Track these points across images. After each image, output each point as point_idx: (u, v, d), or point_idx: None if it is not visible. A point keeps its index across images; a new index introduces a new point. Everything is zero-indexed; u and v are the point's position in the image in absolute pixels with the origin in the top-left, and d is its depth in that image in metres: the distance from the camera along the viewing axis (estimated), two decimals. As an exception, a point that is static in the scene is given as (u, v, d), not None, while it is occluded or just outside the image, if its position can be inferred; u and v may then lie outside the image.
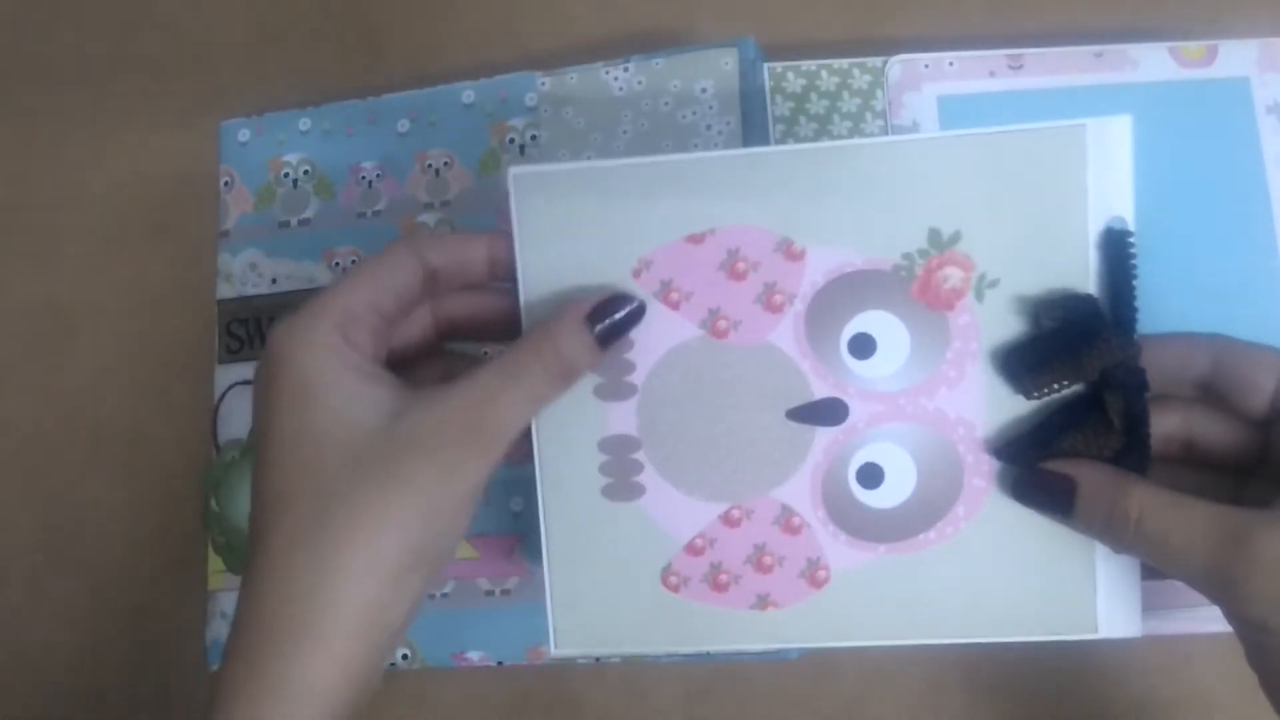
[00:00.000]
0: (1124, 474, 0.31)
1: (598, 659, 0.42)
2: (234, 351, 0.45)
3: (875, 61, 0.43)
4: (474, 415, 0.31)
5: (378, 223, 0.45)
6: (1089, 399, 0.31)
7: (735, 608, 0.34)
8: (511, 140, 0.44)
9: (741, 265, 0.33)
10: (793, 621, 0.34)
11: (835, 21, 0.46)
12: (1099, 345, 0.30)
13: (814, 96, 0.43)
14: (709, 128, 0.42)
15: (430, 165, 0.45)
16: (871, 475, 0.34)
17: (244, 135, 0.47)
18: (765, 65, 0.43)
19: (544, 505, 0.34)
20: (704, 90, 0.43)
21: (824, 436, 0.34)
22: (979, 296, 0.32)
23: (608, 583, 0.34)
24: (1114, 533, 0.30)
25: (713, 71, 0.43)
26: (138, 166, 0.49)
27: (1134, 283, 0.31)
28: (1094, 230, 0.32)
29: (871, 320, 0.33)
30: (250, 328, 0.45)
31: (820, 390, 0.33)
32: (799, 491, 0.34)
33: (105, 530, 0.46)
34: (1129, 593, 0.33)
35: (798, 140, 0.43)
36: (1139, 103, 0.41)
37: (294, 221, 0.46)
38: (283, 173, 0.46)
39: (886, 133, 0.43)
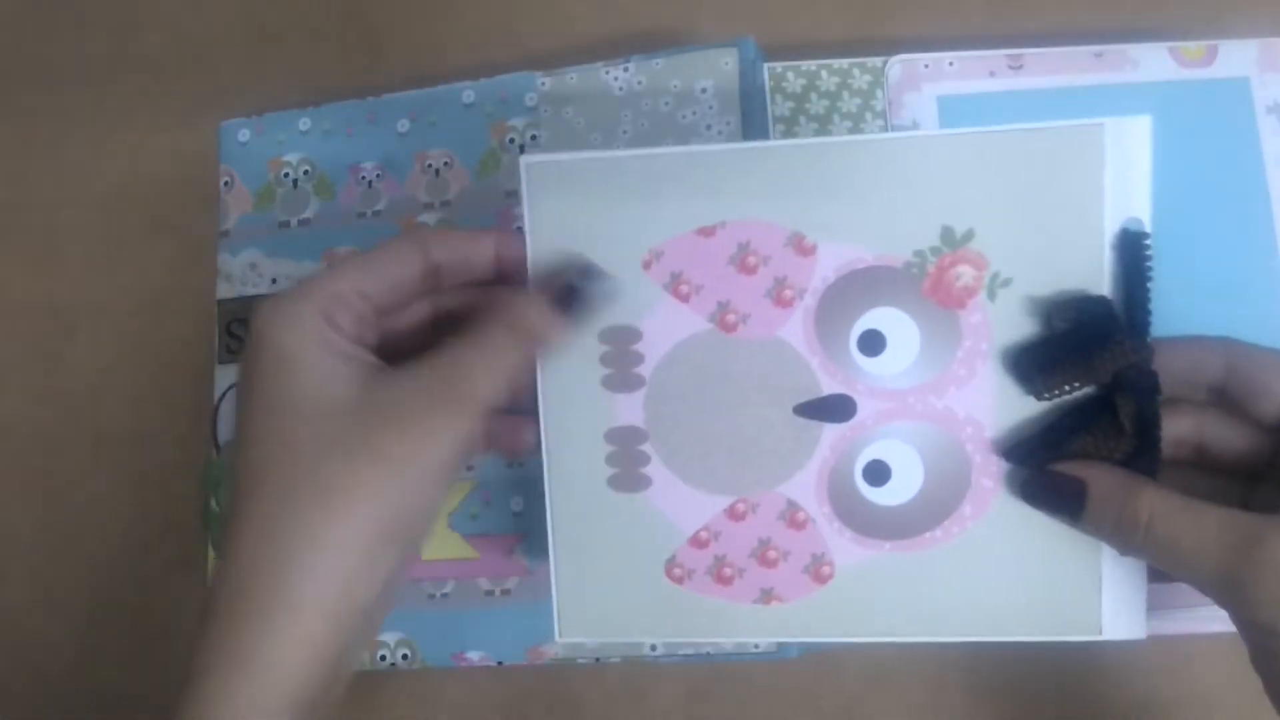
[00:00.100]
0: (1135, 477, 0.30)
1: (598, 659, 0.41)
2: (234, 351, 0.45)
3: (875, 61, 0.43)
4: (443, 385, 0.31)
5: (378, 223, 0.45)
6: (1100, 401, 0.31)
7: (739, 601, 0.34)
8: (511, 140, 0.44)
9: (752, 259, 0.33)
10: (796, 616, 0.34)
11: (835, 21, 0.46)
12: (1112, 348, 0.30)
13: (814, 96, 0.43)
14: (709, 128, 0.42)
15: (430, 165, 0.45)
16: (878, 472, 0.34)
17: (244, 135, 0.47)
18: (765, 65, 0.43)
19: (550, 495, 0.35)
20: (704, 90, 0.43)
21: (831, 433, 0.34)
22: (991, 295, 0.32)
23: (612, 572, 0.35)
24: (1123, 535, 0.30)
25: (713, 71, 0.43)
26: (138, 166, 0.49)
27: (1149, 285, 0.31)
28: (1110, 231, 0.31)
29: (882, 317, 0.33)
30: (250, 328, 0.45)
31: (829, 386, 0.33)
32: (805, 487, 0.34)
33: (105, 530, 0.46)
34: (1134, 595, 0.33)
35: (786, 139, 0.43)
36: (1139, 103, 0.41)
37: (294, 221, 0.46)
38: (283, 173, 0.46)
39: (887, 133, 0.43)
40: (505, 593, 0.42)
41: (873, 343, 0.33)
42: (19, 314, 0.49)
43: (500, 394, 0.32)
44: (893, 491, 0.34)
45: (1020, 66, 0.42)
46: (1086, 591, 0.33)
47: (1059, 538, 0.33)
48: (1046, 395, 0.32)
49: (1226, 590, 0.29)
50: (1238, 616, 0.29)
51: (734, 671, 0.42)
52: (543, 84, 0.44)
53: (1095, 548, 0.33)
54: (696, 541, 0.34)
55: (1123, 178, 0.31)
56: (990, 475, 0.33)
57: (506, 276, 0.35)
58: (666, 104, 0.43)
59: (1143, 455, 0.31)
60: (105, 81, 0.50)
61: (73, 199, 0.49)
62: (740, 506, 0.34)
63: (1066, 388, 0.31)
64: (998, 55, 0.42)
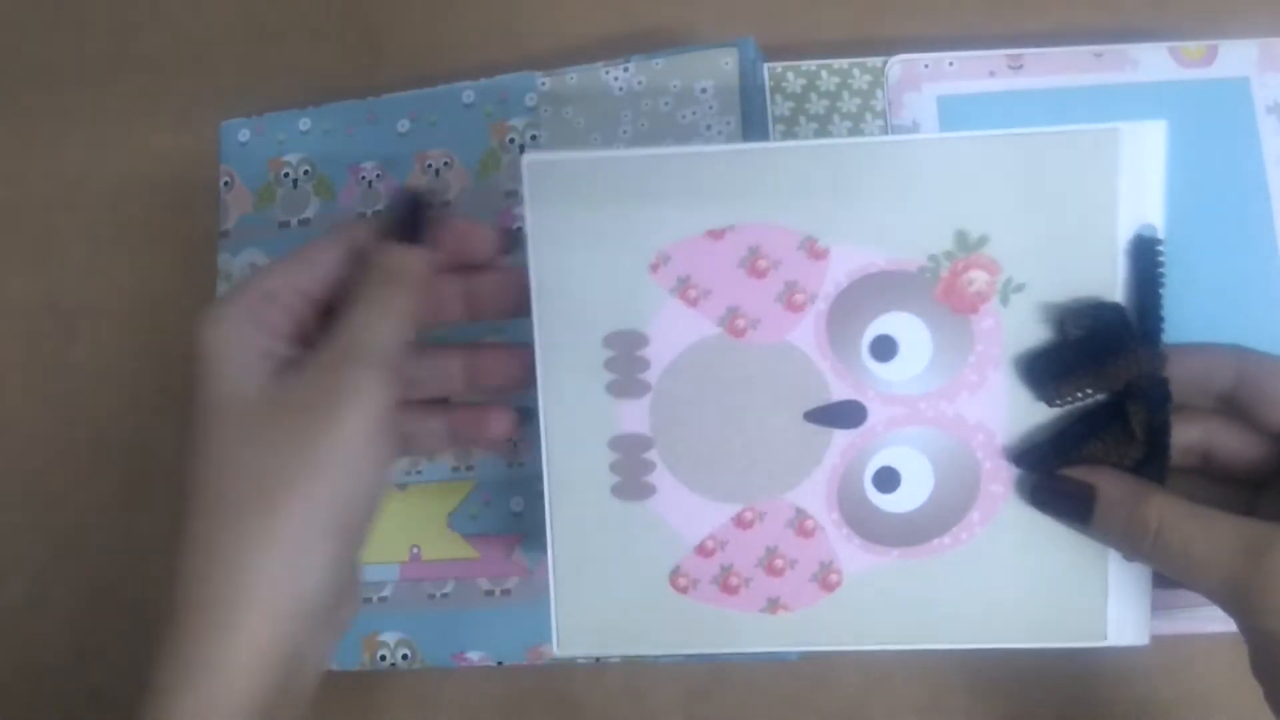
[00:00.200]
0: (1144, 483, 0.30)
1: (598, 659, 0.41)
2: (234, 351, 0.45)
3: (875, 61, 0.43)
4: (339, 355, 0.30)
5: (378, 223, 0.45)
6: (1110, 408, 0.31)
7: (745, 610, 0.34)
8: (511, 140, 0.44)
9: (763, 263, 0.33)
10: (802, 625, 0.34)
11: (835, 21, 0.46)
12: (1126, 356, 0.30)
13: (814, 96, 0.43)
14: (709, 128, 0.42)
15: (430, 165, 0.45)
16: (888, 479, 0.33)
17: (244, 135, 0.47)
18: (765, 65, 0.43)
19: (550, 503, 0.34)
20: (704, 90, 0.43)
21: (841, 439, 0.33)
22: (1004, 301, 0.32)
23: (614, 584, 0.34)
24: (1132, 541, 0.30)
25: (713, 71, 0.43)
26: (138, 166, 0.49)
27: (1162, 292, 0.31)
28: (1123, 237, 0.31)
29: (894, 322, 0.33)
30: (250, 328, 0.45)
31: (839, 392, 0.33)
32: (814, 494, 0.33)
33: (105, 531, 0.46)
34: (1139, 602, 0.33)
35: (798, 140, 0.43)
36: (1139, 103, 0.41)
37: (294, 221, 0.46)
38: (283, 173, 0.46)
39: (886, 133, 0.42)
40: (505, 593, 0.42)
41: (884, 348, 0.33)
42: (19, 314, 0.49)
43: (397, 345, 0.31)
44: (902, 498, 0.33)
45: (1020, 66, 0.42)
46: (1092, 598, 0.33)
47: (1066, 544, 0.33)
48: (1059, 402, 0.32)
49: (1234, 597, 0.29)
50: (1244, 624, 0.29)
51: (734, 672, 0.42)
52: (543, 84, 0.44)
53: (1102, 554, 0.33)
54: (702, 550, 0.34)
55: (1137, 183, 0.31)
56: (999, 481, 0.33)
57: (453, 264, 0.34)
58: (666, 104, 0.43)
59: (1151, 462, 0.31)
60: (105, 81, 0.50)
61: (73, 199, 0.49)
62: (748, 515, 0.34)
63: (1079, 394, 0.31)
64: (998, 55, 0.42)
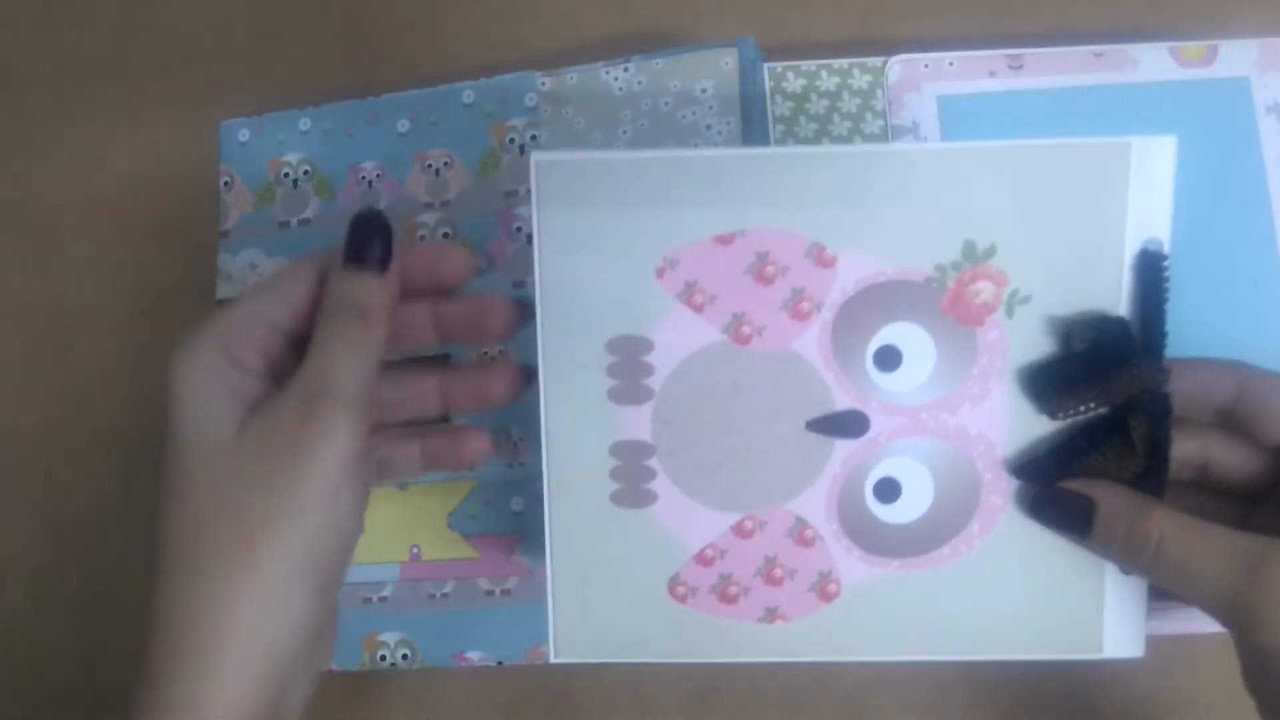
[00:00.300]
0: (1144, 496, 0.31)
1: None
2: (234, 351, 0.45)
3: (875, 61, 0.43)
4: (307, 397, 0.29)
5: (378, 223, 0.45)
6: (1112, 421, 0.31)
7: (743, 620, 0.34)
8: (511, 140, 0.44)
9: (770, 269, 0.32)
10: (800, 635, 0.34)
11: (835, 21, 0.46)
12: (1129, 370, 0.30)
13: (814, 96, 0.43)
14: (709, 128, 0.42)
15: (430, 165, 0.45)
16: (889, 490, 0.33)
17: (244, 135, 0.47)
18: (765, 65, 0.43)
19: (550, 509, 0.34)
20: (704, 90, 0.43)
21: (843, 449, 0.33)
22: (1009, 313, 0.32)
23: (613, 591, 0.34)
24: (1131, 554, 0.30)
25: (713, 71, 0.43)
26: (138, 166, 0.49)
27: (1166, 307, 0.31)
28: (1130, 251, 0.31)
29: (899, 332, 0.33)
30: (250, 328, 0.45)
31: (842, 401, 0.33)
32: (814, 504, 0.33)
33: (106, 530, 0.46)
34: (1135, 614, 0.33)
35: (798, 141, 0.43)
36: (1139, 103, 0.41)
37: (294, 221, 0.46)
38: (283, 173, 0.46)
39: (886, 133, 0.42)
40: (505, 593, 0.42)
41: (889, 358, 0.33)
42: (19, 314, 0.49)
43: (364, 381, 0.30)
44: (903, 509, 0.33)
45: (1020, 66, 0.42)
46: (1089, 610, 0.33)
47: (1063, 556, 0.33)
48: (1061, 415, 0.32)
49: (1230, 611, 0.29)
50: (1240, 637, 0.30)
51: (735, 672, 0.42)
52: (543, 84, 0.44)
53: (1098, 567, 0.33)
54: (702, 559, 0.34)
55: (1145, 197, 0.31)
56: (999, 493, 0.33)
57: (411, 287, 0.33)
58: (666, 104, 0.43)
59: (1151, 476, 0.31)
60: (105, 81, 0.50)
61: (73, 199, 0.49)
62: (748, 524, 0.34)
63: (1082, 408, 0.31)
64: (998, 55, 0.42)
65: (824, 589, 0.34)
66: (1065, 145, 0.31)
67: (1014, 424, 0.32)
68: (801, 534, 0.34)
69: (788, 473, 0.33)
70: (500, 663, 0.42)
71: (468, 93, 0.45)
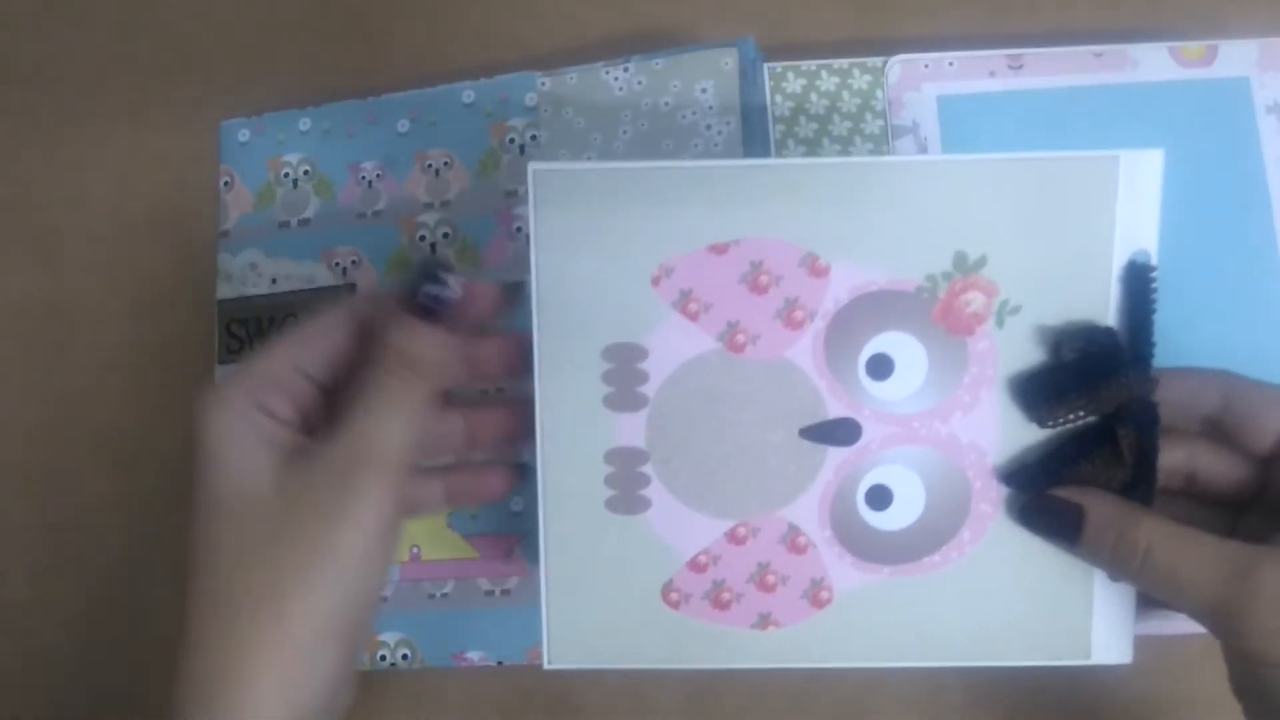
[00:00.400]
0: (1133, 505, 0.31)
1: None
2: (234, 352, 0.45)
3: (875, 61, 0.43)
4: (353, 458, 0.29)
5: (378, 223, 0.45)
6: (1100, 430, 0.32)
7: (735, 626, 0.34)
8: (511, 140, 0.44)
9: (764, 278, 0.33)
10: (793, 641, 0.34)
11: (835, 21, 0.46)
12: (1117, 380, 0.31)
13: (814, 96, 0.43)
14: (709, 128, 0.42)
15: (430, 165, 0.45)
16: (881, 497, 0.34)
17: (244, 135, 0.47)
18: (765, 65, 0.43)
19: (544, 515, 0.34)
20: (704, 90, 0.43)
21: (835, 456, 0.33)
22: (1000, 323, 0.32)
23: (607, 597, 0.34)
24: (1120, 562, 0.31)
25: (713, 72, 0.43)
26: (138, 166, 0.49)
27: (1153, 317, 0.31)
28: (1118, 262, 0.32)
29: (891, 341, 0.33)
30: (250, 328, 0.45)
31: (835, 410, 0.33)
32: (807, 511, 0.34)
33: (105, 530, 0.46)
34: (1123, 620, 0.33)
35: (798, 141, 0.43)
36: (1139, 103, 0.41)
37: (294, 221, 0.46)
38: (283, 173, 0.46)
39: (886, 133, 0.43)
40: (505, 593, 0.42)
41: (881, 367, 0.33)
42: (19, 314, 0.49)
43: (411, 444, 0.30)
44: (894, 516, 0.34)
45: (1020, 66, 0.42)
46: (1078, 617, 0.33)
47: (1053, 564, 0.33)
48: (1051, 424, 0.32)
49: (1220, 618, 0.29)
50: (1227, 644, 0.30)
51: (734, 674, 0.42)
52: (543, 84, 0.44)
53: (1087, 574, 0.33)
54: (695, 565, 0.34)
55: (1134, 209, 0.32)
56: (989, 501, 0.33)
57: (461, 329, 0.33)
58: (666, 104, 0.43)
59: (1139, 484, 0.31)
60: (105, 81, 0.50)
61: (73, 199, 0.49)
62: (741, 530, 0.34)
63: (1071, 417, 0.32)
64: (998, 55, 0.42)
65: (816, 595, 0.34)
66: (1055, 158, 0.32)
67: (1004, 433, 0.33)
68: (794, 541, 0.34)
69: (781, 480, 0.33)
70: (500, 663, 0.42)
71: (468, 93, 0.45)
